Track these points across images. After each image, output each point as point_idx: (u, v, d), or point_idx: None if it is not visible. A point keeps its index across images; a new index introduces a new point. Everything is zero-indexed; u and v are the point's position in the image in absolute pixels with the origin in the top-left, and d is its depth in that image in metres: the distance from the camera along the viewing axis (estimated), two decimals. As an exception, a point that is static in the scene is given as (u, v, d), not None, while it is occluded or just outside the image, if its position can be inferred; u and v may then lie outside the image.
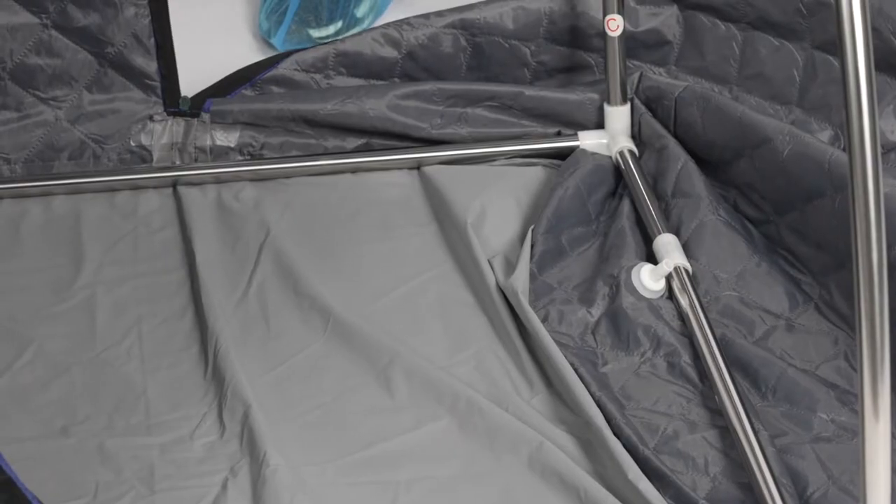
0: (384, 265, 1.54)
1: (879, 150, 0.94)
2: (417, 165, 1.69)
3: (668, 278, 1.46)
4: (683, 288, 1.44)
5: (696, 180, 1.57)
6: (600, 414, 1.31)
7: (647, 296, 1.45)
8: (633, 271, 1.47)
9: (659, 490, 1.24)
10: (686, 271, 1.46)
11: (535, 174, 1.67)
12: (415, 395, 1.36)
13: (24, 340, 1.42)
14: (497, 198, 1.62)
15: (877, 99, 1.48)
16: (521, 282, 1.46)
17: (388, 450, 1.30)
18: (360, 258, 1.55)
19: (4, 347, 1.41)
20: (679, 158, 1.60)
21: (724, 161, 1.59)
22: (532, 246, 1.52)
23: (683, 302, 1.43)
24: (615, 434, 1.29)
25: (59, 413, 1.33)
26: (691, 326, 1.40)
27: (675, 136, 1.63)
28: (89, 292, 1.49)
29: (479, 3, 1.71)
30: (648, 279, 1.46)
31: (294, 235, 1.58)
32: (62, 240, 1.57)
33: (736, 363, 1.37)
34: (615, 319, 1.44)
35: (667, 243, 1.49)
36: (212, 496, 1.24)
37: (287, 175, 1.68)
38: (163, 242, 1.57)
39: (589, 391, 1.34)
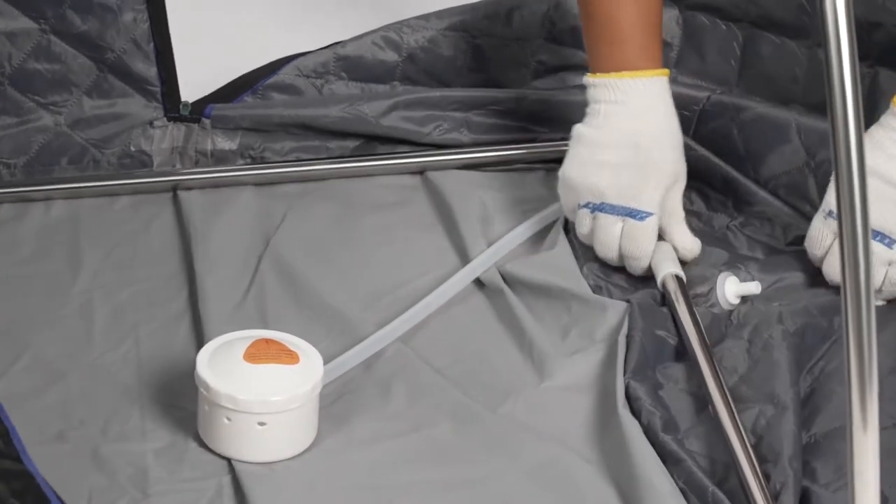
0: (386, 268, 1.54)
1: (864, 154, 0.93)
2: (421, 170, 1.69)
3: (663, 286, 1.45)
4: (677, 296, 1.43)
5: None
6: (622, 396, 1.31)
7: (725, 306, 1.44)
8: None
9: (672, 475, 1.22)
10: (679, 279, 1.45)
11: (538, 178, 1.67)
12: (414, 399, 1.36)
13: (21, 345, 1.42)
14: (500, 202, 1.62)
15: (885, 95, 1.49)
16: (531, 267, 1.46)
17: (384, 453, 1.30)
18: (361, 262, 1.55)
19: (1, 352, 1.41)
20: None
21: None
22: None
23: (679, 310, 1.42)
24: (634, 414, 1.29)
25: (55, 418, 1.33)
26: (686, 335, 1.39)
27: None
28: (87, 297, 1.49)
29: (480, 4, 1.71)
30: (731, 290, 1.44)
31: (295, 240, 1.58)
32: (61, 244, 1.56)
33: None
34: None
35: (661, 251, 1.47)
36: (206, 499, 1.24)
37: (289, 179, 1.68)
38: (162, 247, 1.57)
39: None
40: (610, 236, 1.46)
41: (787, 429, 1.25)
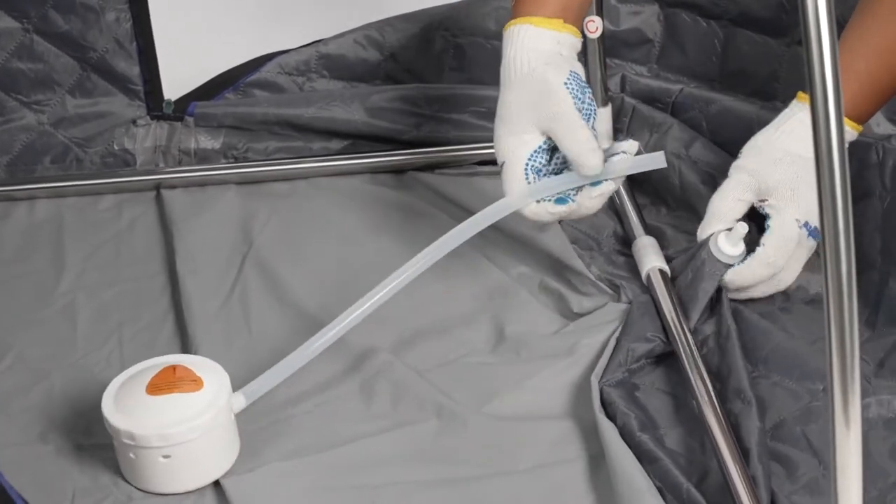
0: (370, 268, 1.54)
1: (845, 146, 0.93)
2: (403, 168, 1.69)
3: (647, 280, 1.45)
4: (661, 290, 1.43)
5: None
6: (597, 400, 1.31)
7: (725, 260, 1.44)
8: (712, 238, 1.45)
9: (650, 474, 1.23)
10: (663, 273, 1.46)
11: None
12: (397, 400, 1.35)
13: (5, 346, 1.42)
14: (481, 203, 1.61)
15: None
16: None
17: (365, 454, 1.30)
18: (345, 262, 1.55)
19: (-15, 354, 1.42)
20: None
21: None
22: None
23: (663, 304, 1.42)
24: (609, 417, 1.29)
25: (39, 419, 1.33)
26: (670, 330, 1.39)
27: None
28: (71, 297, 1.49)
29: (461, 3, 1.71)
30: (725, 244, 1.45)
31: (278, 239, 1.58)
32: (44, 244, 1.57)
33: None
34: None
35: (645, 245, 1.49)
36: (189, 501, 1.24)
37: (272, 178, 1.68)
38: (145, 247, 1.57)
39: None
40: None
41: (753, 424, 1.26)
